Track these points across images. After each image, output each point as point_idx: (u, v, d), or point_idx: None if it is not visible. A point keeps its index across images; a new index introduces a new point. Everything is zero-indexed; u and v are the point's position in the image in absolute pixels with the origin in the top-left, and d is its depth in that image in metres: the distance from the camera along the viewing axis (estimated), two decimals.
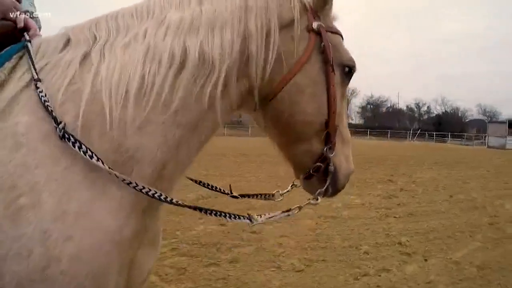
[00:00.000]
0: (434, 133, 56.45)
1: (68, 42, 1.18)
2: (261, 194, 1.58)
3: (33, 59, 1.13)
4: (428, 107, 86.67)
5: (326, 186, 1.43)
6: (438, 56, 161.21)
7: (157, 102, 1.10)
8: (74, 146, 1.00)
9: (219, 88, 1.17)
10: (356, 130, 55.29)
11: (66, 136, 1.00)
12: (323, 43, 1.31)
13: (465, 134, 54.19)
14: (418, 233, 6.36)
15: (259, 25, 1.21)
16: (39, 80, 1.07)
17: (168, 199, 1.14)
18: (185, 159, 1.22)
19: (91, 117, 1.06)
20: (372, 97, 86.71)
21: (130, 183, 1.05)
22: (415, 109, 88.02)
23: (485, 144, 43.25)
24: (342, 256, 5.14)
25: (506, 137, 40.52)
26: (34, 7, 1.70)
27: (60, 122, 1.01)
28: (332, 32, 1.40)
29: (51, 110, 1.02)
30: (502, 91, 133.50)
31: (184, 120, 1.15)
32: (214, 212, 1.27)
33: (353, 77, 1.50)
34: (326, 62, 1.32)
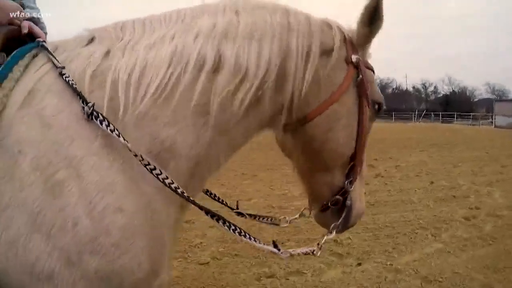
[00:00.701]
0: (440, 113, 54.70)
1: (92, 40, 1.23)
2: (268, 217, 1.59)
3: (52, 53, 1.17)
4: (435, 87, 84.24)
5: (341, 219, 1.44)
6: (443, 35, 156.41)
7: (185, 101, 1.13)
8: (102, 124, 1.02)
9: (251, 97, 1.19)
10: None
11: (95, 114, 1.02)
12: (360, 77, 1.34)
13: (472, 114, 52.22)
14: (367, 229, 5.26)
15: (300, 45, 1.24)
16: (63, 67, 1.11)
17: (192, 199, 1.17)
18: (215, 161, 1.26)
19: (114, 105, 1.09)
20: (377, 79, 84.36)
21: (154, 168, 1.06)
22: (422, 90, 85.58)
23: (493, 124, 41.50)
24: (259, 252, 4.19)
25: None
26: (38, 9, 1.73)
27: (89, 102, 1.03)
28: (367, 68, 1.43)
29: (80, 92, 1.06)
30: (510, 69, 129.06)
31: (215, 123, 1.17)
32: (238, 231, 1.25)
33: None
34: (361, 95, 1.35)
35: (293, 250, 1.35)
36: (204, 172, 1.25)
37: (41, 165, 0.97)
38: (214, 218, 1.19)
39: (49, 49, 1.19)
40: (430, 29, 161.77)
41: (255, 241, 1.27)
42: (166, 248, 1.12)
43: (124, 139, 1.03)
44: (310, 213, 1.59)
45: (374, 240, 4.93)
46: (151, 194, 1.07)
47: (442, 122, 49.48)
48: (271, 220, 1.59)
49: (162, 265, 1.11)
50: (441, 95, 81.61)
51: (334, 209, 1.45)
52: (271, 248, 1.30)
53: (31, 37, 1.34)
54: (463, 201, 6.97)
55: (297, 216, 1.67)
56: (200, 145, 1.17)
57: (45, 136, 1.01)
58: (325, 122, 1.32)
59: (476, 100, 79.26)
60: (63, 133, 1.02)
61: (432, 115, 54.33)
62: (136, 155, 1.04)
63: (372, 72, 1.47)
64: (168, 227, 1.14)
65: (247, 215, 1.55)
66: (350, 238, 4.81)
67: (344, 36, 1.35)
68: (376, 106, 1.47)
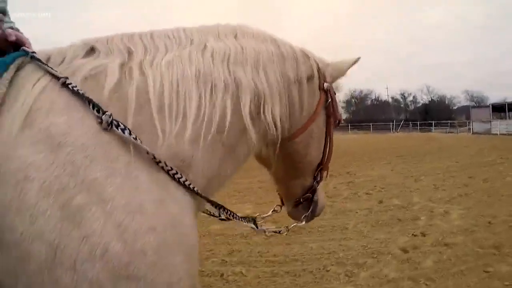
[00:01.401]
0: (418, 122, 54.19)
1: (92, 50, 1.17)
2: (244, 218, 1.60)
3: (47, 64, 1.08)
4: (414, 97, 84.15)
5: (309, 211, 1.72)
6: (421, 46, 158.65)
7: (211, 122, 1.16)
8: (124, 133, 0.98)
9: (269, 116, 1.30)
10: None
11: (115, 123, 0.98)
12: (329, 101, 1.57)
13: (449, 121, 51.65)
14: (270, 262, 4.20)
15: (294, 73, 1.39)
16: (67, 77, 1.03)
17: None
18: (222, 179, 1.31)
19: (141, 127, 1.05)
20: (355, 91, 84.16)
21: (186, 181, 1.09)
22: (401, 100, 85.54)
23: (470, 131, 40.93)
24: None
25: (490, 121, 37.94)
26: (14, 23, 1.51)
27: (106, 111, 0.98)
28: (334, 93, 1.66)
29: (92, 100, 0.99)
30: (487, 76, 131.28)
31: (227, 142, 1.23)
32: (230, 213, 1.42)
33: None
34: (329, 116, 1.60)
35: (266, 228, 1.64)
36: (213, 189, 1.28)
37: (53, 191, 0.87)
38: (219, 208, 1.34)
39: (41, 59, 1.09)
40: (408, 38, 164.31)
41: (242, 220, 1.50)
42: (198, 259, 1.12)
43: (148, 150, 1.00)
44: (281, 209, 1.85)
45: (270, 277, 3.85)
46: (177, 209, 1.04)
47: (421, 131, 48.89)
48: (247, 220, 1.59)
49: (196, 277, 1.11)
50: (420, 104, 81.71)
51: (305, 204, 1.72)
52: (251, 224, 1.55)
53: (14, 47, 1.24)
54: (409, 226, 5.70)
55: (270, 213, 1.85)
56: (214, 162, 1.20)
57: (56, 158, 0.91)
58: (305, 139, 1.52)
59: (455, 107, 79.39)
60: (79, 153, 0.93)
61: (410, 125, 53.85)
62: (159, 162, 1.02)
63: (335, 96, 1.67)
64: (195, 238, 1.11)
65: (225, 218, 1.47)
66: (242, 273, 3.84)
67: (318, 66, 1.50)
68: (337, 122, 1.69)
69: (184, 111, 1.11)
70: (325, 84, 1.53)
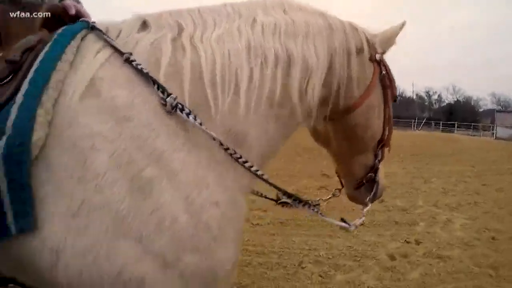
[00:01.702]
0: (441, 122, 52.45)
1: (144, 25, 1.17)
2: (305, 202, 1.45)
3: (109, 37, 1.10)
4: (439, 95, 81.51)
5: (373, 193, 1.65)
6: (450, 44, 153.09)
7: (261, 95, 1.16)
8: (188, 117, 1.00)
9: (318, 89, 1.29)
10: None
11: (179, 106, 1.00)
12: (383, 72, 1.54)
13: (472, 124, 49.95)
14: (246, 251, 3.85)
15: (342, 46, 1.36)
16: (131, 53, 1.04)
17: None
18: (272, 153, 1.32)
19: (196, 101, 1.06)
20: None
21: (241, 158, 1.10)
22: (426, 98, 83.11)
23: (494, 135, 39.46)
24: None
25: None
26: None
27: (171, 94, 1.00)
28: (387, 64, 1.63)
29: (158, 81, 1.01)
30: None
31: (278, 116, 1.23)
32: (316, 210, 1.37)
33: None
34: (385, 88, 1.56)
35: (357, 221, 1.54)
36: (265, 164, 1.28)
37: (122, 163, 0.90)
38: (292, 198, 1.31)
39: (102, 31, 1.10)
40: (435, 37, 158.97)
41: (304, 205, 1.36)
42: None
43: (214, 136, 1.02)
44: (340, 193, 1.82)
45: (242, 266, 3.73)
46: (233, 187, 1.07)
47: (443, 131, 47.40)
48: (309, 205, 1.42)
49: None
50: (445, 104, 79.27)
51: (367, 185, 1.66)
52: (342, 223, 1.48)
53: (72, 20, 1.24)
54: (404, 231, 5.29)
55: (330, 196, 1.84)
56: (266, 138, 1.21)
57: (123, 131, 0.93)
58: (365, 112, 1.48)
59: (481, 110, 76.77)
60: (145, 127, 0.95)
61: (433, 124, 52.29)
62: (222, 144, 1.04)
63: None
64: (244, 218, 1.13)
65: (289, 202, 1.37)
66: None
67: (367, 37, 1.47)
68: (394, 96, 1.65)
69: (236, 84, 1.12)
70: (377, 56, 1.50)
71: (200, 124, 1.00)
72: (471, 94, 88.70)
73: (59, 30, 1.10)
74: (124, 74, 1.01)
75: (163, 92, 0.99)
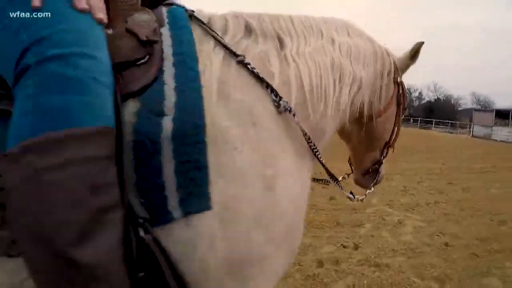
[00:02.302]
0: (419, 119, 52.77)
1: (248, 30, 1.22)
2: (326, 180, 1.69)
3: (217, 34, 1.14)
4: (420, 93, 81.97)
5: (375, 180, 1.91)
6: (434, 46, 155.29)
7: (338, 103, 1.34)
8: (294, 117, 1.11)
9: (356, 102, 1.47)
10: None
11: (289, 109, 1.10)
12: (400, 92, 1.77)
13: (450, 121, 50.25)
14: None
15: (382, 70, 1.58)
16: (244, 56, 1.10)
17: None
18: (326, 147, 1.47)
19: (297, 107, 1.18)
20: None
21: (317, 152, 1.23)
22: (407, 95, 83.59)
23: (471, 133, 39.60)
24: None
25: (492, 127, 36.71)
26: None
27: (282, 98, 1.10)
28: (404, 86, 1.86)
29: (273, 88, 1.09)
30: (497, 82, 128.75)
31: (338, 119, 1.40)
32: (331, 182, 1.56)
33: None
34: (399, 104, 1.79)
35: (359, 197, 1.75)
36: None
37: (254, 163, 1.00)
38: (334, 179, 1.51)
39: (209, 26, 1.15)
40: (420, 37, 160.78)
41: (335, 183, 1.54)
42: None
43: (313, 143, 1.19)
44: (348, 177, 1.97)
45: None
46: (308, 176, 1.24)
47: (420, 128, 47.58)
48: (324, 181, 1.67)
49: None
50: (425, 101, 79.83)
51: (371, 174, 1.91)
52: (349, 195, 1.67)
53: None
54: (344, 233, 4.58)
55: (341, 178, 1.89)
56: (330, 136, 1.41)
57: (254, 134, 1.02)
58: (383, 121, 1.74)
59: (460, 109, 77.52)
60: (266, 131, 1.05)
61: (411, 120, 52.43)
62: (309, 139, 1.17)
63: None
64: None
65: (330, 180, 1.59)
66: None
67: (395, 62, 1.68)
68: (404, 110, 1.89)
69: (325, 94, 1.28)
70: (399, 78, 1.72)
71: (305, 134, 1.15)
72: (452, 93, 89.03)
73: (168, 13, 1.11)
74: (242, 77, 1.07)
75: (275, 96, 1.08)
